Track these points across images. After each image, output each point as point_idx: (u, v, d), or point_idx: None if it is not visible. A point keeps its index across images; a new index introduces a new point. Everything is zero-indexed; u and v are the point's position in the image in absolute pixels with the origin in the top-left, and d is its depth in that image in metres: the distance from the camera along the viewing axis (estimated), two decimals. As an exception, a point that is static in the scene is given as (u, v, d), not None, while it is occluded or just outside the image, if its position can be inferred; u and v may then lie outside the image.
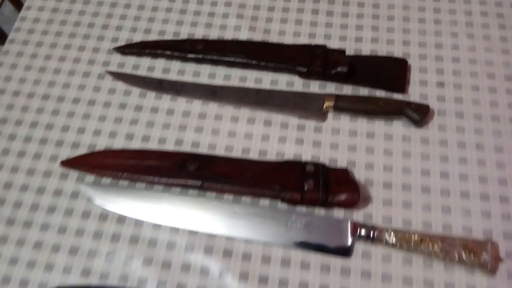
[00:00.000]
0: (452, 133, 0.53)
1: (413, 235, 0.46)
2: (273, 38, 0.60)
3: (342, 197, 0.48)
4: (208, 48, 0.58)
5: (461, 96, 0.55)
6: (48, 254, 0.48)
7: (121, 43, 0.61)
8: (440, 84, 0.56)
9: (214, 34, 0.61)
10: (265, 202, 0.50)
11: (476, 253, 0.44)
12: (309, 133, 0.54)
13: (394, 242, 0.46)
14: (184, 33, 0.61)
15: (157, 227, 0.49)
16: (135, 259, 0.48)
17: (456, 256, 0.44)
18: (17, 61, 0.60)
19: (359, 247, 0.47)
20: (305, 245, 0.47)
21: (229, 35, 0.61)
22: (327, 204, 0.49)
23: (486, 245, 0.45)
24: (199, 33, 0.61)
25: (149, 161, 0.52)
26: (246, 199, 0.50)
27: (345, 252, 0.47)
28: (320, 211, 0.49)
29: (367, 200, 0.50)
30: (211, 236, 0.49)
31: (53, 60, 0.60)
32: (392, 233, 0.46)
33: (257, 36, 0.60)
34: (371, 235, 0.46)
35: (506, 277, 0.45)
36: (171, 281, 0.47)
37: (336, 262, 0.47)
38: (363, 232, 0.47)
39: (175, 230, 0.49)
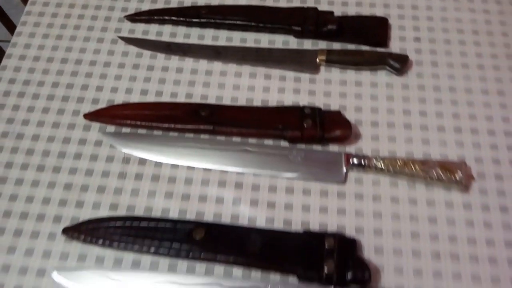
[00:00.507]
0: (428, 79, 0.61)
1: (398, 160, 0.53)
2: (269, 4, 0.67)
3: (337, 133, 0.55)
4: (211, 13, 0.65)
5: (435, 48, 0.63)
6: (77, 194, 0.54)
7: (131, 12, 0.67)
8: (417, 39, 0.64)
9: (215, 1, 0.68)
10: (269, 142, 0.57)
11: (452, 172, 0.52)
12: (304, 84, 0.61)
13: (382, 167, 0.53)
14: (188, 1, 0.68)
15: (175, 166, 0.56)
16: (157, 194, 0.54)
17: (435, 175, 0.52)
18: (34, 30, 0.66)
19: (352, 174, 0.55)
20: (305, 175, 0.54)
21: (228, 1, 0.68)
22: (323, 140, 0.56)
23: (461, 165, 0.53)
24: (201, 1, 0.68)
25: (164, 111, 0.58)
26: (252, 140, 0.57)
27: (340, 179, 0.54)
28: (317, 148, 0.57)
29: (357, 136, 0.57)
30: (224, 172, 0.55)
31: (69, 28, 0.66)
32: (380, 159, 0.53)
33: (254, 2, 0.67)
34: (362, 163, 0.54)
35: (478, 193, 0.54)
36: (190, 210, 0.53)
37: (333, 188, 0.54)
38: (355, 161, 0.54)
39: (191, 168, 0.56)
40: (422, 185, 0.54)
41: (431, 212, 0.52)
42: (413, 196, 0.53)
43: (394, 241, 0.51)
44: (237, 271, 0.50)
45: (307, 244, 0.49)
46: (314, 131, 0.55)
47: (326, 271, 0.47)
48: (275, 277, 0.49)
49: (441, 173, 0.52)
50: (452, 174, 0.52)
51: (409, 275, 0.49)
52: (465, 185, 0.52)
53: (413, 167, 0.52)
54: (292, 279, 0.49)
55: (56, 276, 0.49)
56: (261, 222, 0.52)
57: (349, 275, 0.47)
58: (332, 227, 0.52)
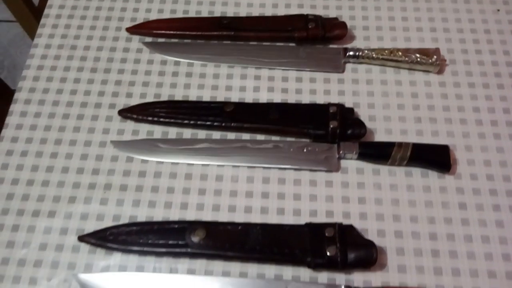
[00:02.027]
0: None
1: (385, 50, 0.66)
2: None
3: (336, 32, 0.68)
4: None
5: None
6: (126, 87, 0.66)
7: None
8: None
9: None
10: (280, 44, 0.70)
11: (429, 55, 0.65)
12: (306, 0, 0.74)
13: (373, 56, 0.66)
14: None
15: (204, 65, 0.68)
16: (192, 86, 0.66)
17: (415, 58, 0.65)
18: (77, -33, 0.78)
19: (349, 65, 0.68)
20: (312, 67, 0.67)
21: None
22: (325, 39, 0.68)
23: (436, 51, 0.65)
24: None
25: (192, 23, 0.71)
26: (266, 43, 0.70)
27: (340, 69, 0.67)
28: (320, 46, 0.69)
29: (352, 38, 0.70)
30: (244, 68, 0.68)
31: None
32: (371, 50, 0.66)
33: None
34: (357, 54, 0.66)
35: (451, 74, 0.66)
36: (219, 96, 0.65)
37: (334, 76, 0.67)
38: (351, 53, 0.66)
39: (217, 66, 0.68)
40: (405, 71, 0.67)
41: (413, 89, 0.65)
42: (398, 79, 0.66)
43: (384, 111, 0.64)
44: (260, 136, 0.62)
45: (314, 112, 0.61)
46: (317, 30, 0.67)
47: (331, 128, 0.59)
48: (290, 139, 0.62)
49: (420, 57, 0.65)
50: (429, 57, 0.65)
51: (396, 134, 0.62)
52: (440, 66, 0.65)
53: (397, 54, 0.65)
54: (304, 140, 0.62)
55: (114, 145, 0.61)
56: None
57: (349, 131, 0.60)
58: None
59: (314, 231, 0.53)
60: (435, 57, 0.65)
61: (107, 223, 0.56)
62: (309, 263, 0.52)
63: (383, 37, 0.70)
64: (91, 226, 0.56)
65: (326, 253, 0.51)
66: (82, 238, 0.54)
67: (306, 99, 0.65)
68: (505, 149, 0.61)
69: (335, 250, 0.51)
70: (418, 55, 0.65)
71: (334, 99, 0.65)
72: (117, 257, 0.54)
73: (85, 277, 0.53)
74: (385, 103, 0.65)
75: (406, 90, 0.65)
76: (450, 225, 0.56)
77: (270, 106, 0.63)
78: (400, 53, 0.65)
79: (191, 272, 0.54)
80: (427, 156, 0.58)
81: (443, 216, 0.56)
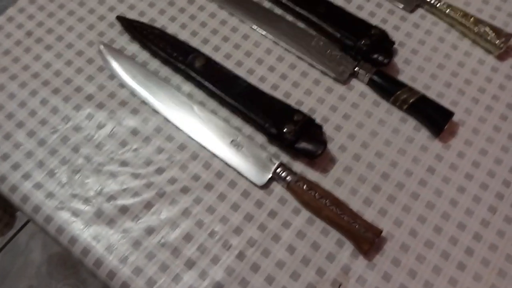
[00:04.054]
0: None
1: (461, 11, 0.63)
2: None
3: (425, -27, 0.67)
4: None
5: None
6: None
7: None
8: None
9: None
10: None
11: (498, 35, 0.61)
12: None
13: (446, 11, 0.64)
14: None
15: None
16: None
17: (483, 32, 0.61)
18: None
19: (420, 10, 0.66)
20: (384, -5, 0.67)
21: None
22: (412, -24, 0.68)
23: (508, 35, 0.61)
24: None
25: None
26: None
27: (408, 6, 0.66)
28: None
29: (440, -10, 0.68)
30: (326, -33, 0.70)
31: None
32: (448, 5, 0.64)
33: None
34: (432, 2, 0.65)
35: (509, 66, 0.63)
36: (290, -23, 0.70)
37: (400, 12, 0.66)
38: (427, -2, 0.65)
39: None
40: (468, 41, 0.64)
41: (463, 59, 0.63)
42: (457, 44, 0.64)
43: (422, 62, 0.63)
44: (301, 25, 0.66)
45: (356, 25, 0.63)
46: (408, -36, 0.67)
47: (359, 43, 0.60)
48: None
49: (488, 32, 0.61)
50: (497, 37, 0.61)
51: (419, 85, 0.61)
52: (502, 51, 0.61)
53: (469, 19, 0.62)
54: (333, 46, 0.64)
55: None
56: None
57: (375, 56, 0.60)
58: (382, 32, 0.65)
59: (285, 109, 0.58)
60: (503, 39, 0.61)
61: (144, 20, 0.66)
62: (265, 129, 0.56)
63: None
64: (131, 16, 0.66)
65: (283, 129, 0.56)
66: (119, 18, 0.65)
67: (362, 16, 0.66)
68: (511, 151, 0.57)
69: (292, 130, 0.55)
70: (488, 29, 0.62)
71: (385, 29, 0.65)
72: (135, 47, 0.64)
73: (108, 48, 0.63)
74: (428, 56, 0.63)
75: (456, 56, 0.63)
76: (408, 177, 0.56)
77: (322, 1, 0.66)
78: (472, 19, 0.62)
79: (178, 86, 0.62)
80: (427, 110, 0.58)
81: (406, 167, 0.56)
